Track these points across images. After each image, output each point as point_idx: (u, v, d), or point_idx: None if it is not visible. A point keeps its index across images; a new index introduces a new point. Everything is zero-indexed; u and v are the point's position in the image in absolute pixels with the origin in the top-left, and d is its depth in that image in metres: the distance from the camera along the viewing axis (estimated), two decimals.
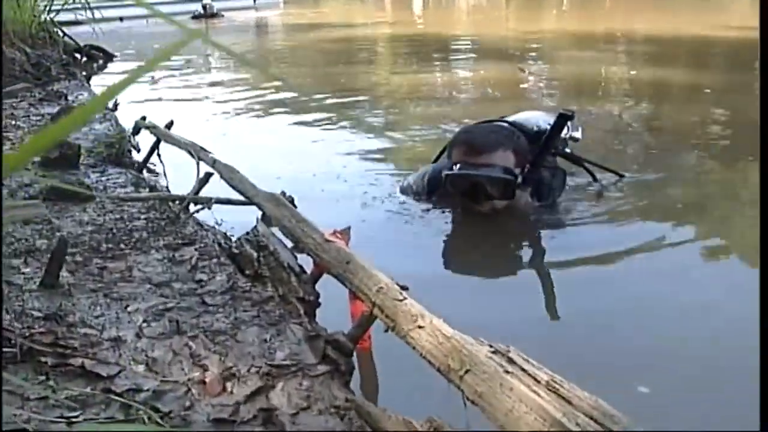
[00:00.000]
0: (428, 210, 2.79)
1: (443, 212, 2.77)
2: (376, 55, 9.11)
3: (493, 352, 1.14)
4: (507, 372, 1.08)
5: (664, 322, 1.95)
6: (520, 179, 2.55)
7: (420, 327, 1.26)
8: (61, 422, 1.15)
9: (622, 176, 3.02)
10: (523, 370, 1.08)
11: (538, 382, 1.05)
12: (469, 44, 9.42)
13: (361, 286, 1.47)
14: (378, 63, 8.31)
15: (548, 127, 2.65)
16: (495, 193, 2.55)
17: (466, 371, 1.12)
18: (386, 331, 1.37)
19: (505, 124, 2.75)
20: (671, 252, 2.43)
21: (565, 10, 15.13)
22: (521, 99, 5.73)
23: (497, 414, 1.05)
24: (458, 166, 2.54)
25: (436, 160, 2.96)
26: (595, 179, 2.96)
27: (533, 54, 8.10)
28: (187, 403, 1.24)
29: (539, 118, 2.86)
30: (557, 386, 1.03)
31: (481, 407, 1.08)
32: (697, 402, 1.60)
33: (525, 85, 5.99)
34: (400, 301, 1.34)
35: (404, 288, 1.41)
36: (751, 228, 2.53)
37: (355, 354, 1.55)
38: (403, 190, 2.96)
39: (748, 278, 2.19)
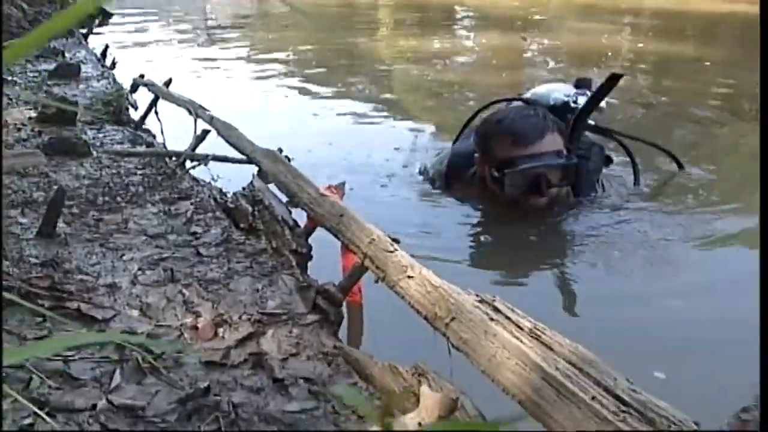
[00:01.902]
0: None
1: (458, 198, 2.65)
2: (379, 21, 9.06)
3: (479, 302, 1.17)
4: (492, 319, 1.11)
5: (679, 308, 1.94)
6: (575, 159, 2.38)
7: (409, 277, 1.29)
8: (57, 360, 1.18)
9: (680, 165, 2.83)
10: (508, 318, 1.11)
11: (521, 329, 1.08)
12: (473, 12, 9.37)
13: (353, 239, 1.50)
14: (381, 29, 8.27)
15: (565, 99, 2.55)
16: (557, 180, 2.38)
17: (452, 319, 1.15)
18: (377, 281, 1.40)
19: (531, 105, 2.58)
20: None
21: None
22: (523, 67, 5.73)
23: (480, 359, 1.08)
24: (511, 161, 2.34)
25: (454, 142, 2.82)
26: (633, 162, 2.70)
27: (538, 24, 8.07)
28: (180, 347, 1.27)
29: (554, 91, 2.71)
30: (539, 333, 1.06)
31: (465, 353, 1.11)
32: (711, 387, 1.59)
33: (527, 55, 5.98)
34: (391, 252, 1.37)
35: (396, 240, 1.43)
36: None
37: (346, 307, 1.58)
38: (420, 173, 2.86)
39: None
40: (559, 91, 2.70)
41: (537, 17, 8.61)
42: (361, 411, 1.07)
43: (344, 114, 3.98)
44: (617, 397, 0.93)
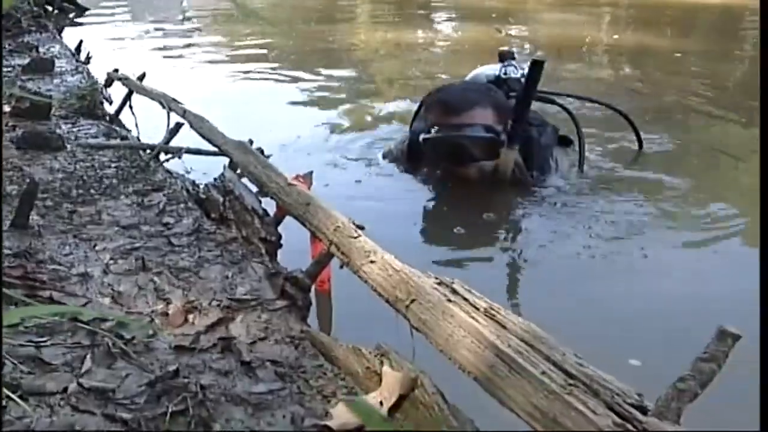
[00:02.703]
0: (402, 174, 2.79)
1: (421, 178, 2.73)
2: (357, 12, 9.08)
3: (438, 284, 1.21)
4: (449, 301, 1.15)
5: (653, 295, 1.97)
6: (504, 137, 2.43)
7: (372, 262, 1.33)
8: (30, 346, 1.21)
9: (640, 144, 2.95)
10: (465, 299, 1.16)
11: (477, 309, 1.12)
12: (452, 4, 9.40)
13: (319, 226, 1.54)
14: (358, 21, 8.29)
15: (496, 74, 2.67)
16: (478, 154, 2.44)
17: (412, 301, 1.19)
18: (341, 267, 1.45)
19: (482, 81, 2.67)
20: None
21: None
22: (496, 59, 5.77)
23: (438, 339, 1.12)
24: (436, 128, 2.43)
25: (411, 125, 2.86)
26: (581, 143, 2.73)
27: (516, 15, 8.10)
28: (150, 332, 1.30)
29: (485, 69, 2.80)
30: (494, 312, 1.10)
31: (424, 333, 1.16)
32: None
33: (505, 47, 6.01)
34: (355, 238, 1.41)
35: (360, 227, 1.48)
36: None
37: (314, 294, 1.63)
38: (385, 156, 2.93)
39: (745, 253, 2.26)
40: (489, 68, 2.80)
41: (515, 8, 8.66)
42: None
43: (320, 104, 4.02)
44: (565, 372, 0.97)
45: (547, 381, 0.96)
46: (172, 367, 1.19)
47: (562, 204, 2.48)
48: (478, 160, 2.47)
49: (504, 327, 1.08)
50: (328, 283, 1.72)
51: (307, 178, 1.81)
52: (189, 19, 7.66)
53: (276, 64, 5.28)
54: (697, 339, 0.90)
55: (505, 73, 2.72)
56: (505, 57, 2.80)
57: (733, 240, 2.33)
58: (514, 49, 3.10)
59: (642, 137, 2.98)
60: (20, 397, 1.08)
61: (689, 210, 2.53)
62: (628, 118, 2.94)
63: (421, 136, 2.48)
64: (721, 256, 2.24)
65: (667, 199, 2.57)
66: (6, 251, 1.61)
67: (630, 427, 0.86)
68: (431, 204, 2.60)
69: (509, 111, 2.47)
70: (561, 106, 2.87)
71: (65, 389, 1.12)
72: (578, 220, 2.37)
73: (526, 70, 2.63)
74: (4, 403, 1.06)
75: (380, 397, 1.12)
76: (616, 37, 6.76)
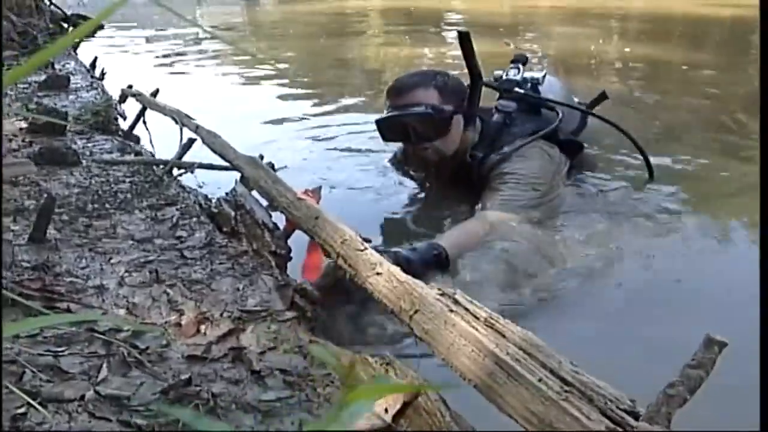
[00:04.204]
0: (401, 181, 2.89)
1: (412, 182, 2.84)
2: (368, 28, 9.16)
3: (440, 295, 1.26)
4: (451, 311, 1.19)
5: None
6: (448, 115, 2.52)
7: (378, 273, 1.38)
8: (48, 355, 1.26)
9: (651, 174, 2.86)
10: (466, 309, 1.20)
11: (478, 318, 1.16)
12: (461, 19, 9.46)
13: (327, 239, 1.58)
14: (369, 36, 8.36)
15: (499, 74, 2.78)
16: (422, 130, 2.54)
17: (416, 311, 1.24)
18: (349, 278, 1.49)
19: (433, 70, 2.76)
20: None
21: None
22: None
23: (440, 348, 1.16)
24: (386, 111, 2.61)
25: None
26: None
27: (525, 29, 8.16)
28: (164, 342, 1.35)
29: (495, 74, 2.91)
30: (493, 322, 1.14)
31: (427, 343, 1.20)
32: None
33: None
34: (361, 251, 1.46)
35: (367, 240, 1.52)
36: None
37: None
38: (390, 161, 3.07)
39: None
40: (498, 71, 2.91)
41: (526, 22, 8.72)
42: (330, 368, 1.14)
43: (332, 120, 4.06)
44: (561, 379, 1.01)
45: (543, 388, 1.00)
46: (184, 376, 1.23)
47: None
48: (424, 137, 2.56)
49: (503, 335, 1.12)
50: (317, 272, 1.77)
51: (316, 192, 1.87)
52: (200, 42, 7.74)
53: (288, 80, 5.35)
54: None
55: (507, 74, 2.83)
56: (515, 60, 2.89)
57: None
58: (529, 62, 3.12)
59: (652, 164, 2.88)
60: (40, 404, 1.13)
61: (691, 223, 2.52)
62: (639, 145, 2.85)
63: (374, 120, 2.65)
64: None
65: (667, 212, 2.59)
66: (24, 264, 1.67)
67: (622, 431, 0.90)
68: (422, 205, 2.72)
69: (460, 93, 2.57)
70: (601, 118, 2.89)
71: (82, 397, 1.17)
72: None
73: (528, 73, 2.80)
74: (24, 410, 1.11)
75: (385, 404, 1.16)
76: (627, 50, 6.78)
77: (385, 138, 2.68)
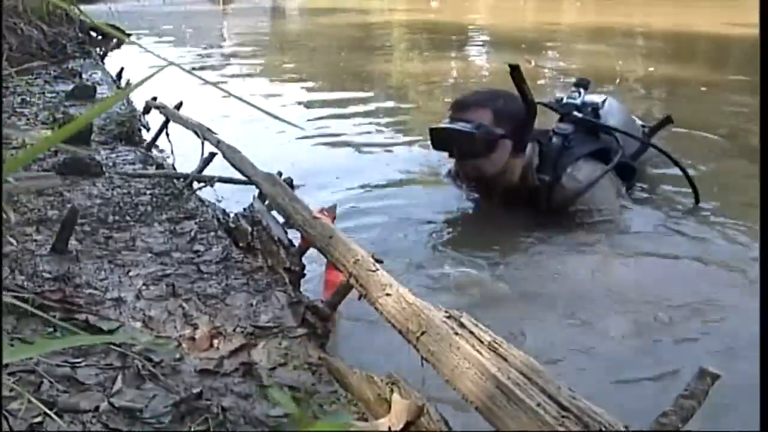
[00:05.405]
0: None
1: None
2: (391, 42, 9.21)
3: (447, 317, 1.29)
4: (456, 333, 1.22)
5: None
6: (499, 138, 2.55)
7: (387, 294, 1.41)
8: (65, 366, 1.31)
9: (697, 198, 2.84)
10: (471, 332, 1.23)
11: (482, 342, 1.19)
12: (483, 34, 9.51)
13: (340, 259, 1.62)
14: (393, 51, 8.42)
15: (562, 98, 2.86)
16: (466, 148, 2.59)
17: (422, 333, 1.27)
18: (359, 298, 1.52)
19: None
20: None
21: (579, 4, 15.06)
22: (534, 88, 5.79)
23: (445, 370, 1.19)
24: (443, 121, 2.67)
25: None
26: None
27: (547, 46, 8.17)
28: (177, 355, 1.39)
29: (557, 96, 3.02)
30: (497, 346, 1.17)
31: (432, 364, 1.23)
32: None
33: (540, 81, 6.04)
34: (373, 272, 1.49)
35: (379, 261, 1.56)
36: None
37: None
38: (446, 176, 3.13)
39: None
40: (559, 95, 3.02)
41: (548, 39, 8.74)
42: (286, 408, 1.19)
43: (355, 134, 4.10)
44: (559, 404, 1.04)
45: (541, 412, 1.02)
46: (196, 390, 1.27)
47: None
48: (465, 153, 2.63)
49: (505, 360, 1.14)
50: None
51: (332, 210, 1.90)
52: (226, 57, 7.83)
53: (312, 95, 5.40)
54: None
55: (570, 97, 2.91)
56: (577, 83, 2.97)
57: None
58: (546, 78, 3.20)
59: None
60: (56, 414, 1.17)
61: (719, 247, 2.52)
62: (685, 171, 2.85)
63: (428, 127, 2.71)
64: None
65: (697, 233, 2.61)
66: (46, 275, 1.72)
67: None
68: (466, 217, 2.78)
69: (515, 120, 2.57)
70: (653, 146, 2.95)
71: (97, 408, 1.21)
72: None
73: (588, 97, 2.86)
74: (41, 419, 1.15)
75: (389, 423, 1.19)
76: (651, 69, 6.77)
77: (434, 145, 2.74)
